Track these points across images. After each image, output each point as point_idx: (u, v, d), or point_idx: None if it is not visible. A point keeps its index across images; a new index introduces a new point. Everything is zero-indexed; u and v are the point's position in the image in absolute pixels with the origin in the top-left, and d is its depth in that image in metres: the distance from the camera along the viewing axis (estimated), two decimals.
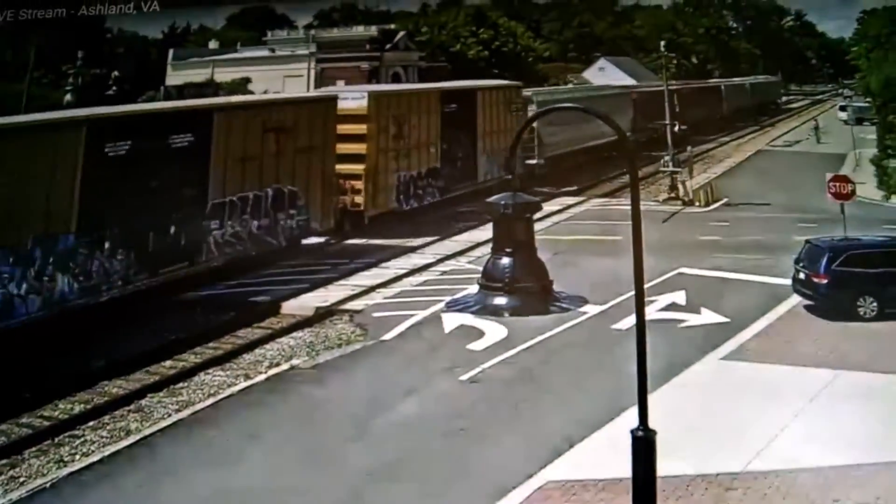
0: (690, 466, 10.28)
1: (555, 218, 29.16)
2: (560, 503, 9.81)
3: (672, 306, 18.08)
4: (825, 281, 16.74)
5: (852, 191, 20.52)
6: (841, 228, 19.32)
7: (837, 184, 20.51)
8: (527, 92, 35.45)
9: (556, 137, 34.43)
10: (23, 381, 14.24)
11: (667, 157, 34.68)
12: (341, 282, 20.58)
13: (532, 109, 32.95)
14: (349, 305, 19.00)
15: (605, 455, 10.63)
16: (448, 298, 11.71)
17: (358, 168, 25.15)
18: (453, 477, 10.91)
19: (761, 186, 35.62)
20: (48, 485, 11.25)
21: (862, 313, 16.49)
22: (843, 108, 61.70)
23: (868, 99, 38.80)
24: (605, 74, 74.61)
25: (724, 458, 10.65)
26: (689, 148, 37.21)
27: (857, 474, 10.20)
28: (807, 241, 18.17)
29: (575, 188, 34.89)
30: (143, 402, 14.12)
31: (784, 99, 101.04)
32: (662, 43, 41.97)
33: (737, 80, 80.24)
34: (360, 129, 25.23)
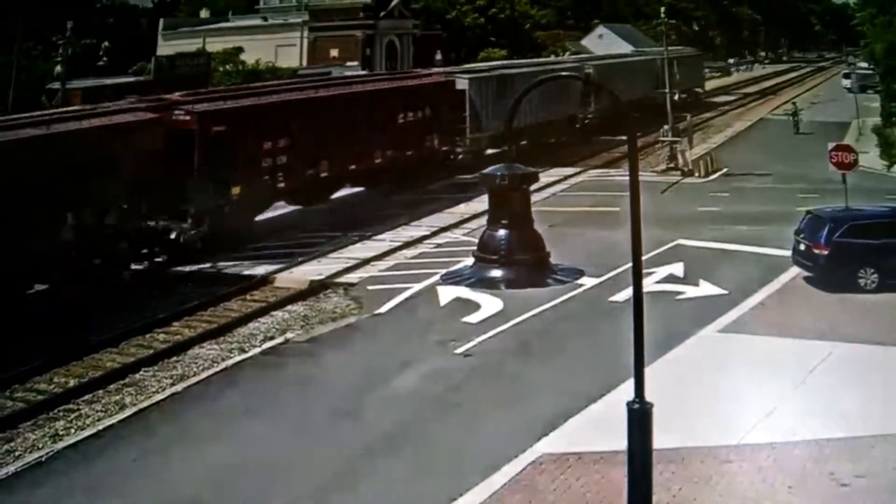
0: (687, 439, 10.21)
1: (552, 189, 28.96)
2: (555, 476, 9.74)
3: (670, 278, 17.94)
4: (826, 252, 16.55)
5: (855, 160, 20.18)
6: (842, 199, 19.09)
7: (840, 153, 20.17)
8: None
9: None
10: None
11: (666, 127, 34.34)
12: None
13: None
14: None
15: (601, 428, 10.55)
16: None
17: None
18: (448, 451, 10.85)
19: (762, 156, 35.36)
20: (43, 458, 11.18)
21: (862, 285, 16.32)
22: (846, 76, 60.98)
23: (872, 66, 38.25)
24: (603, 42, 73.91)
25: (720, 430, 10.57)
26: (688, 117, 36.84)
27: (854, 447, 10.13)
28: (807, 212, 17.97)
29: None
30: (138, 375, 14.04)
31: (786, 68, 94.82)
32: (663, 9, 41.41)
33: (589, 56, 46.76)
34: None
